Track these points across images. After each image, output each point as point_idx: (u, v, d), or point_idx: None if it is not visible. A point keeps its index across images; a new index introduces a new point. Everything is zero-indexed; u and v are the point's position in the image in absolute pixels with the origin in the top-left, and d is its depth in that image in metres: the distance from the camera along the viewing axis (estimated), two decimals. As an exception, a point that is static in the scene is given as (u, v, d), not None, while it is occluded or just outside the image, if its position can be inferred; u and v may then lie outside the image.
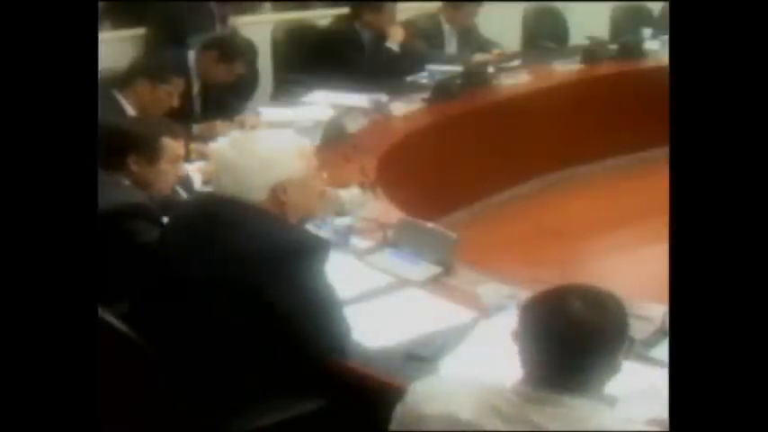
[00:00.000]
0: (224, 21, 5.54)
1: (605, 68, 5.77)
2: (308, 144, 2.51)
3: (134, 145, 2.84)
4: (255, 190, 2.32)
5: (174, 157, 2.94)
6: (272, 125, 4.20)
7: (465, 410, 1.70)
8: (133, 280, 2.43)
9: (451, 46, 5.96)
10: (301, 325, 2.23)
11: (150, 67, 4.07)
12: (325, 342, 2.27)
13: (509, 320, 2.14)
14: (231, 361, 2.26)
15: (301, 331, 2.24)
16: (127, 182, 2.84)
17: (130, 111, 3.91)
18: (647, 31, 6.20)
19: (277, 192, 2.32)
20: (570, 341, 1.65)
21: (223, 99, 4.61)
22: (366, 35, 5.51)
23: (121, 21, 5.66)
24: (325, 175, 2.64)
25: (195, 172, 3.48)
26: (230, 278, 2.22)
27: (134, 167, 2.83)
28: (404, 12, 5.83)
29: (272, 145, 2.41)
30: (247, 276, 2.21)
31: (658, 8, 6.76)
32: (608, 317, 1.68)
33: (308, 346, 2.25)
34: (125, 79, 3.97)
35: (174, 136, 2.95)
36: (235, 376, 2.26)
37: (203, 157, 3.75)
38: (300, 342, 2.24)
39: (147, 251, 2.48)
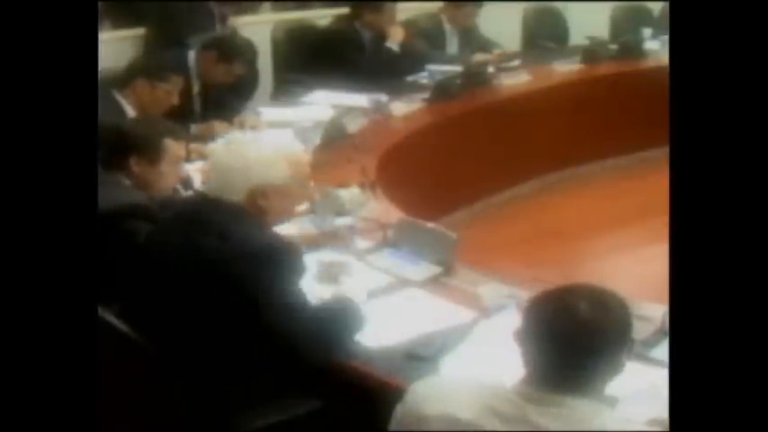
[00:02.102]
0: (224, 21, 5.54)
1: (605, 68, 5.76)
2: (302, 150, 2.52)
3: (136, 145, 2.85)
4: (235, 191, 2.34)
5: (175, 159, 2.94)
6: (272, 125, 4.20)
7: (465, 411, 1.70)
8: (132, 279, 2.44)
9: (452, 46, 5.96)
10: (277, 325, 2.24)
11: (148, 67, 4.07)
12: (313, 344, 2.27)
13: (509, 320, 2.15)
14: (221, 361, 2.27)
15: (287, 336, 2.24)
16: (127, 182, 2.84)
17: (130, 111, 3.90)
18: (647, 31, 6.20)
19: (256, 195, 2.34)
20: (574, 341, 1.65)
21: (223, 99, 4.61)
22: (366, 35, 5.51)
23: (121, 21, 5.67)
24: (312, 182, 2.63)
25: (195, 172, 3.48)
26: (206, 279, 2.24)
27: (135, 168, 2.84)
28: (404, 12, 5.82)
29: (260, 148, 2.42)
30: (219, 278, 2.23)
31: (658, 8, 6.76)
32: (612, 317, 1.68)
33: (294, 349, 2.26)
34: (124, 79, 3.97)
35: (176, 137, 2.96)
36: (226, 375, 2.26)
37: (203, 157, 3.75)
38: (286, 344, 2.25)
39: (139, 250, 2.50)
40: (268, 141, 2.50)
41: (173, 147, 2.91)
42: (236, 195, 2.34)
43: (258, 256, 2.25)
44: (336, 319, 2.33)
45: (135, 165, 2.84)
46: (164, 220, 2.55)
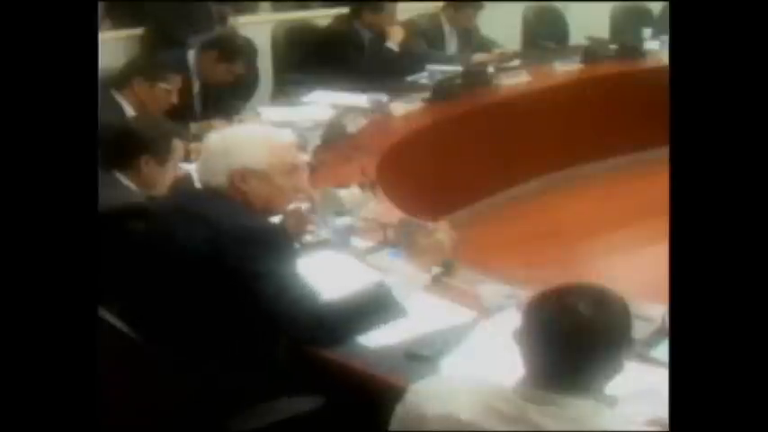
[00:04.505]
0: (223, 21, 5.54)
1: (605, 68, 5.76)
2: (288, 140, 2.51)
3: (148, 146, 2.86)
4: (216, 174, 2.36)
5: (179, 158, 2.96)
6: (273, 125, 4.21)
7: (465, 411, 1.70)
8: (131, 279, 2.44)
9: (451, 46, 5.96)
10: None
11: (146, 66, 4.07)
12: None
13: (509, 320, 2.15)
14: (220, 357, 2.27)
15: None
16: (126, 182, 2.85)
17: (129, 110, 3.91)
18: (647, 31, 6.20)
19: (234, 179, 2.34)
20: (574, 341, 1.65)
21: (223, 99, 4.62)
22: (366, 35, 5.51)
23: (121, 21, 5.67)
24: (305, 176, 2.62)
25: (196, 172, 3.48)
26: (200, 271, 2.24)
27: (144, 168, 2.85)
28: (404, 12, 5.83)
29: (238, 133, 2.46)
30: (213, 269, 2.23)
31: (658, 8, 6.76)
32: (612, 316, 1.68)
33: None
34: (122, 79, 3.98)
35: (180, 136, 2.98)
36: (227, 373, 2.26)
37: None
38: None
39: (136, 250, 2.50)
40: (253, 128, 2.53)
41: (179, 146, 2.93)
42: (218, 179, 2.36)
43: (246, 240, 2.23)
44: (362, 303, 2.25)
45: (144, 164, 2.85)
46: (155, 217, 2.55)
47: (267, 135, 2.46)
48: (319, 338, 2.23)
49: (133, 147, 2.85)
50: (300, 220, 2.89)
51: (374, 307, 2.23)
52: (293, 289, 2.22)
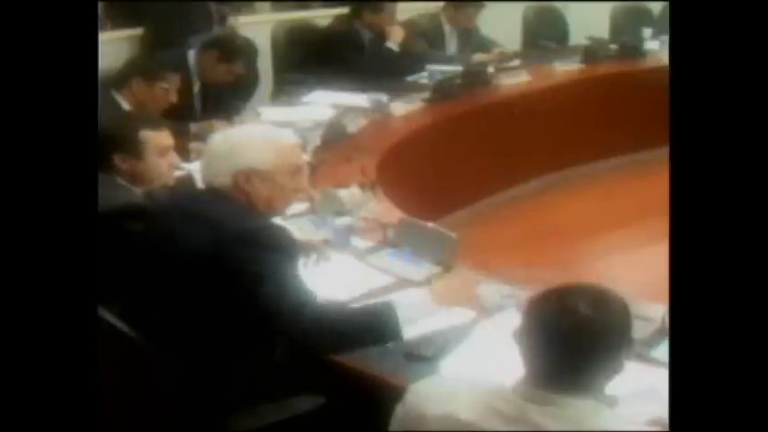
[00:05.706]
0: (223, 21, 5.54)
1: (605, 68, 5.77)
2: (293, 141, 2.51)
3: (115, 144, 2.82)
4: (220, 175, 2.36)
5: (161, 148, 2.91)
6: (273, 125, 4.21)
7: (465, 411, 1.70)
8: (131, 279, 2.44)
9: (452, 46, 5.96)
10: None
11: (145, 66, 4.07)
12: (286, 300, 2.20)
13: (509, 320, 2.15)
14: (221, 358, 2.26)
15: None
16: (125, 182, 2.84)
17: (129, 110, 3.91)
18: (647, 31, 6.21)
19: (239, 179, 2.34)
20: (574, 341, 1.65)
21: (223, 99, 4.62)
22: (366, 35, 5.51)
23: (121, 21, 5.67)
24: (306, 176, 2.60)
25: (197, 171, 3.48)
26: (202, 271, 2.24)
27: (123, 165, 2.82)
28: (404, 12, 5.83)
29: (243, 134, 2.46)
30: (215, 269, 2.22)
31: (658, 8, 6.76)
32: (612, 317, 1.68)
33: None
34: (121, 78, 3.97)
35: (154, 127, 2.94)
36: (226, 373, 2.26)
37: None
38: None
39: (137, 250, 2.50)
40: (257, 129, 2.52)
41: (153, 137, 2.89)
42: (222, 179, 2.36)
43: (247, 241, 2.23)
44: (360, 319, 2.27)
45: (121, 162, 2.82)
46: (156, 218, 2.55)
47: (271, 136, 2.46)
48: (317, 345, 2.23)
49: (103, 148, 2.81)
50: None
51: (375, 327, 2.25)
52: (294, 292, 2.22)
